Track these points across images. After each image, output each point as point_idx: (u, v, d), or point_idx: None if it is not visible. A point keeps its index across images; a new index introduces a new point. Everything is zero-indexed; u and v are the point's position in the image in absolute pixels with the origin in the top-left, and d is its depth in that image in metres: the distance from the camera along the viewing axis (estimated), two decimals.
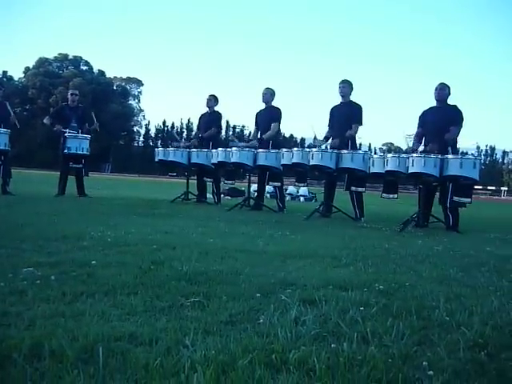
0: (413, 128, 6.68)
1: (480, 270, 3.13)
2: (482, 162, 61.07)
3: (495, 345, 1.65)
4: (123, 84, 70.10)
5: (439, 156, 5.75)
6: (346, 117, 7.13)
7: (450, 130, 6.16)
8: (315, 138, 7.32)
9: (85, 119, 8.96)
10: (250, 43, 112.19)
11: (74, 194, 8.63)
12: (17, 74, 72.18)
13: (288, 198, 12.76)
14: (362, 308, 2.02)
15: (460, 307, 2.11)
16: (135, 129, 73.02)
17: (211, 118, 9.05)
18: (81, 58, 66.55)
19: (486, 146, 74.34)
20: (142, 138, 73.89)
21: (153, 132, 74.05)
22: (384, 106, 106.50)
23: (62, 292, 2.06)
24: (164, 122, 73.77)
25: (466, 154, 6.90)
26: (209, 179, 9.02)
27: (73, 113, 8.76)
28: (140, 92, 72.07)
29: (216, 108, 9.08)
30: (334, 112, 7.41)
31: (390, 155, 6.26)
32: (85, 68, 66.71)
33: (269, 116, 8.08)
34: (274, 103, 8.19)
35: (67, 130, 8.43)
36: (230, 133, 65.81)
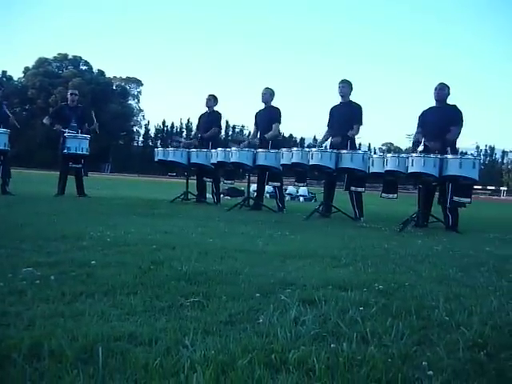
0: (412, 128, 6.70)
1: (479, 269, 3.13)
2: (482, 161, 61.00)
3: (494, 345, 1.65)
4: (123, 84, 70.11)
5: (439, 156, 5.75)
6: (346, 117, 7.13)
7: (451, 130, 6.16)
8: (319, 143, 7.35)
9: (84, 119, 8.96)
10: (250, 43, 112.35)
11: (74, 193, 8.62)
12: (16, 73, 72.09)
13: (287, 197, 12.75)
14: (361, 308, 2.02)
15: (459, 307, 2.11)
16: (135, 129, 73.08)
17: (211, 118, 9.05)
18: (80, 57, 66.61)
19: (486, 145, 74.48)
20: (141, 138, 73.97)
21: (152, 132, 74.15)
22: (384, 106, 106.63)
23: (62, 292, 2.06)
24: (163, 122, 73.86)
25: (466, 153, 6.89)
26: (208, 179, 9.02)
27: (72, 113, 8.76)
28: (139, 92, 72.19)
29: (215, 108, 9.08)
30: (334, 112, 7.41)
31: (389, 155, 6.26)
32: (84, 68, 66.75)
33: (268, 116, 8.08)
34: (274, 103, 8.20)
35: (67, 130, 8.43)
36: (230, 133, 65.87)
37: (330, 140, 7.36)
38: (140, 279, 2.36)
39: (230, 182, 8.65)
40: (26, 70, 63.87)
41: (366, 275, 2.76)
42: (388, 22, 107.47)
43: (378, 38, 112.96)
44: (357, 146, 7.42)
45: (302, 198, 14.24)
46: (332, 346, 1.56)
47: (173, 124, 73.19)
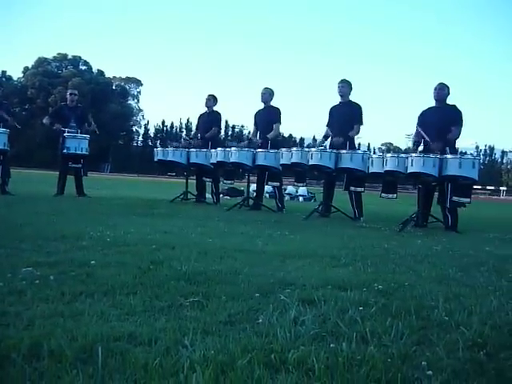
0: (412, 128, 6.69)
1: (479, 269, 3.13)
2: (481, 161, 61.10)
3: (494, 344, 1.65)
4: (122, 84, 70.10)
5: (438, 156, 5.75)
6: (346, 117, 7.14)
7: (452, 131, 6.16)
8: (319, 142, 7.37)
9: (84, 119, 8.96)
10: (250, 43, 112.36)
11: (73, 193, 8.62)
12: (16, 73, 72.10)
13: (287, 197, 12.76)
14: (361, 308, 2.02)
15: (459, 307, 2.11)
16: (134, 129, 73.08)
17: (210, 118, 9.05)
18: (80, 57, 66.57)
19: (485, 145, 74.60)
20: (141, 138, 73.99)
21: (152, 132, 74.15)
22: (383, 106, 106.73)
23: (61, 292, 2.06)
24: (163, 122, 73.89)
25: (465, 153, 6.89)
26: (208, 179, 9.01)
27: (72, 113, 8.75)
28: (139, 92, 72.19)
29: (215, 108, 9.08)
30: (334, 112, 7.42)
31: (389, 155, 6.26)
32: (84, 68, 66.71)
33: (268, 116, 8.08)
34: (273, 103, 8.21)
35: (66, 130, 8.42)
36: (230, 133, 65.88)
37: (329, 140, 7.36)
38: (139, 279, 2.36)
39: (229, 181, 8.65)
40: (26, 69, 63.86)
41: (366, 275, 2.76)
42: (388, 22, 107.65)
43: (378, 38, 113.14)
44: (356, 145, 7.43)
45: (301, 198, 14.24)
46: (331, 345, 1.56)
47: (172, 124, 73.29)
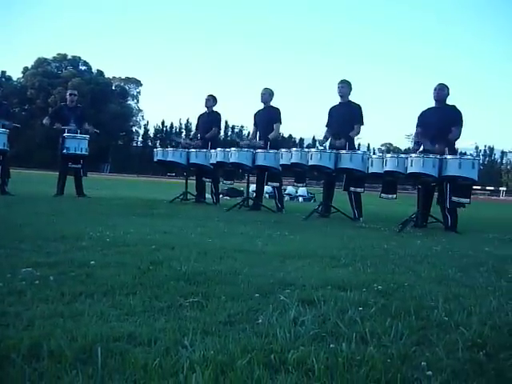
0: (412, 128, 6.70)
1: (479, 270, 3.13)
2: (481, 162, 61.14)
3: (494, 345, 1.65)
4: (122, 84, 70.11)
5: (438, 156, 5.76)
6: (346, 117, 7.14)
7: (452, 131, 6.17)
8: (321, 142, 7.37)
9: (83, 119, 8.96)
10: (250, 43, 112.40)
11: (73, 194, 8.62)
12: (15, 74, 72.25)
13: (287, 198, 12.76)
14: (360, 308, 2.02)
15: (459, 307, 2.11)
16: (134, 129, 73.11)
17: (210, 119, 9.05)
18: (79, 58, 66.60)
19: (485, 146, 74.66)
20: (140, 138, 74.02)
21: (151, 132, 74.18)
22: (383, 106, 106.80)
23: (61, 292, 2.06)
24: (163, 123, 73.94)
25: (465, 154, 6.89)
26: (207, 179, 9.01)
27: (71, 113, 8.76)
28: (139, 92, 72.20)
29: (215, 108, 9.09)
30: (333, 112, 7.42)
31: (388, 155, 6.27)
32: (83, 68, 66.73)
33: (268, 116, 8.09)
34: (273, 103, 8.21)
35: (67, 127, 8.43)
36: (229, 133, 65.87)
37: (329, 140, 7.36)
38: (139, 279, 2.36)
39: (229, 182, 8.65)
40: (25, 70, 63.86)
41: (366, 275, 2.76)
42: (388, 22, 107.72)
43: (378, 38, 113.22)
44: (356, 146, 7.43)
45: (301, 199, 14.24)
46: (331, 346, 1.56)
47: (172, 124, 73.32)
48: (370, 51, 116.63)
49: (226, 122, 67.65)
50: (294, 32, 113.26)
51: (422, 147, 6.37)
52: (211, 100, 9.03)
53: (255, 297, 2.14)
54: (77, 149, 8.44)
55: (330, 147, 7.12)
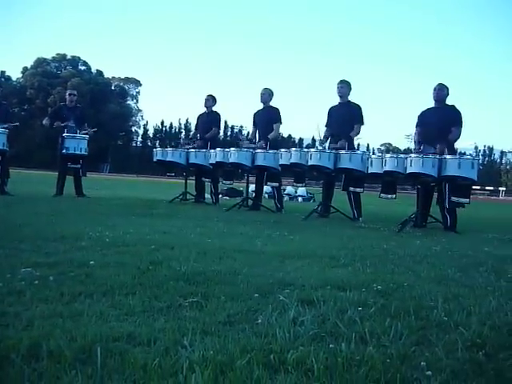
0: (411, 128, 6.70)
1: (478, 270, 3.13)
2: (480, 162, 61.16)
3: (493, 345, 1.65)
4: (121, 84, 70.07)
5: (437, 156, 5.76)
6: (345, 117, 7.14)
7: (452, 132, 6.18)
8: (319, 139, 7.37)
9: (83, 119, 8.96)
10: (250, 43, 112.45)
11: (72, 194, 8.62)
12: (15, 74, 72.11)
13: (286, 198, 12.76)
14: (360, 308, 2.02)
15: (458, 307, 2.11)
16: (133, 129, 73.03)
17: (210, 119, 9.05)
18: (79, 58, 66.53)
19: (484, 146, 74.71)
20: (140, 139, 73.99)
21: (151, 132, 74.17)
22: (383, 106, 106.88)
23: (60, 292, 2.06)
24: (162, 123, 73.94)
25: (464, 154, 6.90)
26: (207, 179, 9.01)
27: (71, 113, 8.75)
28: (138, 92, 72.15)
29: (214, 108, 9.09)
30: (333, 112, 7.42)
31: (388, 155, 6.27)
32: (83, 68, 66.64)
33: (267, 116, 8.09)
34: (272, 103, 8.22)
35: (65, 123, 8.43)
36: (229, 133, 65.89)
37: (329, 139, 7.37)
38: (139, 279, 2.36)
39: (228, 182, 8.66)
40: (25, 70, 63.81)
41: (365, 275, 2.76)
42: (388, 22, 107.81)
43: (378, 38, 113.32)
44: (355, 146, 7.43)
45: (300, 199, 14.25)
46: (331, 346, 1.56)
47: (171, 124, 73.33)
48: (370, 51, 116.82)
49: (226, 122, 67.72)
50: (293, 32, 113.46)
51: (422, 147, 6.37)
52: (211, 100, 9.03)
53: (254, 297, 2.14)
54: (76, 149, 8.44)
55: (330, 148, 7.13)
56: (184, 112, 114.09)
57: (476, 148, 71.49)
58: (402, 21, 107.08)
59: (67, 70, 63.91)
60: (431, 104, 6.51)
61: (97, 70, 66.68)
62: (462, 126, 6.30)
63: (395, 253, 3.71)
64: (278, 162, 7.38)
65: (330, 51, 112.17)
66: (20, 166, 33.73)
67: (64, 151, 8.40)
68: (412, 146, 6.63)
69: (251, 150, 7.69)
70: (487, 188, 47.36)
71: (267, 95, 8.13)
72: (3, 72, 62.33)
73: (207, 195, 9.33)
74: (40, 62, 63.80)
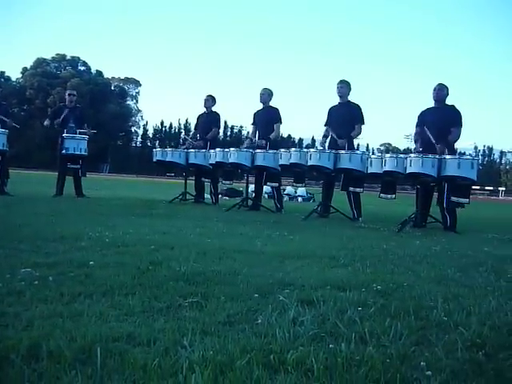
0: (411, 128, 6.71)
1: (478, 270, 3.13)
2: (480, 162, 61.15)
3: (493, 345, 1.65)
4: (121, 84, 70.08)
5: (437, 156, 5.76)
6: (345, 117, 7.15)
7: (452, 132, 6.18)
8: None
9: (83, 119, 8.96)
10: (249, 43, 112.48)
11: (72, 194, 8.61)
12: (14, 74, 72.11)
13: (286, 198, 12.76)
14: (359, 308, 2.02)
15: (458, 307, 2.11)
16: (133, 129, 73.07)
17: (210, 119, 9.06)
18: (78, 58, 66.56)
19: (484, 146, 74.79)
20: (139, 139, 73.99)
21: (151, 132, 74.16)
22: (383, 106, 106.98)
23: (60, 293, 2.06)
24: (162, 123, 73.93)
25: (464, 154, 6.91)
26: (207, 180, 9.02)
27: (70, 113, 8.75)
28: (138, 92, 72.18)
29: (214, 108, 9.09)
30: (333, 112, 7.42)
31: (387, 155, 6.27)
32: (83, 68, 66.67)
33: (267, 116, 8.09)
34: (272, 103, 8.22)
35: (63, 116, 8.43)
36: (228, 133, 65.90)
37: (328, 140, 7.37)
38: (138, 280, 2.36)
39: (228, 182, 8.66)
40: (24, 70, 63.81)
41: (365, 275, 2.76)
42: (388, 22, 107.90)
43: (378, 38, 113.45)
44: (355, 146, 7.43)
45: (300, 199, 14.25)
46: (330, 346, 1.56)
47: (171, 124, 73.33)
48: (370, 51, 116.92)
49: (226, 123, 67.70)
50: (293, 32, 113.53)
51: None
52: (210, 100, 9.03)
53: (254, 297, 2.14)
54: (76, 149, 8.44)
55: (330, 146, 7.13)
56: (184, 112, 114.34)
57: (476, 148, 71.66)
58: (402, 21, 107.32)
59: (67, 71, 63.93)
60: (431, 104, 6.52)
61: (96, 71, 66.75)
62: (461, 126, 6.30)
63: (395, 253, 3.71)
64: (278, 162, 7.37)
65: (329, 51, 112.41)
66: (20, 167, 33.71)
67: (64, 151, 8.40)
68: (412, 145, 6.63)
69: (251, 150, 7.69)
70: (487, 188, 47.39)
71: (267, 95, 8.13)
72: (3, 72, 62.47)
73: (207, 195, 9.33)
74: (40, 63, 63.80)
